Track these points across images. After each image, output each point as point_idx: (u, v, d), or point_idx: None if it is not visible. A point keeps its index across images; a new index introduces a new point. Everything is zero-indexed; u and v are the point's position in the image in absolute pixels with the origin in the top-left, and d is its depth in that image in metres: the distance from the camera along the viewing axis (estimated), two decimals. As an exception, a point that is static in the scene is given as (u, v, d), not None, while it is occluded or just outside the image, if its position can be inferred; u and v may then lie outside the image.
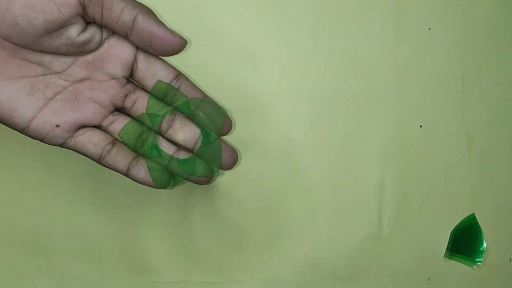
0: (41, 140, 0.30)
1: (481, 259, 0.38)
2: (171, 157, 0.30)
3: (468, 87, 0.39)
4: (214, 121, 0.30)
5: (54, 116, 0.29)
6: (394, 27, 0.39)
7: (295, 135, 0.38)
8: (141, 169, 0.30)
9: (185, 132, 0.31)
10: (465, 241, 0.38)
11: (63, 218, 0.37)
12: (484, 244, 0.38)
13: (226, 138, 0.37)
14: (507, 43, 0.39)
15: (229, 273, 0.37)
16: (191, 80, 0.32)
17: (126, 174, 0.31)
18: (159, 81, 0.30)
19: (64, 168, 0.37)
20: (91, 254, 0.37)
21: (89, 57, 0.29)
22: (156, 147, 0.30)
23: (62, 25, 0.27)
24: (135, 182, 0.31)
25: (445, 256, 0.38)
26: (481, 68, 0.39)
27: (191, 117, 0.31)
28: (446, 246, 0.38)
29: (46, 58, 0.29)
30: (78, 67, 0.29)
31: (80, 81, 0.30)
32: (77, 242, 0.37)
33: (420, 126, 0.39)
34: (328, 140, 0.38)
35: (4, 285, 0.38)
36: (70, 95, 0.29)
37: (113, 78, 0.30)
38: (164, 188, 0.30)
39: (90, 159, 0.30)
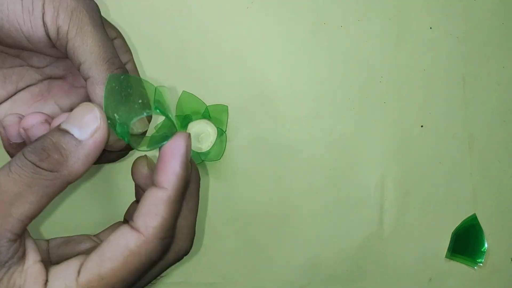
0: None
1: (482, 260, 0.38)
2: None
3: (469, 87, 0.39)
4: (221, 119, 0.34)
5: (12, 108, 0.26)
6: (395, 26, 0.39)
7: (295, 135, 0.38)
8: None
9: None
10: (466, 242, 0.38)
11: (63, 218, 0.37)
12: (485, 245, 0.38)
13: (231, 137, 0.37)
14: (508, 42, 0.39)
15: (229, 274, 0.37)
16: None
17: None
18: (184, 92, 0.33)
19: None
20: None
21: (69, 61, 0.24)
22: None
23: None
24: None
25: (446, 256, 0.38)
26: (482, 68, 0.39)
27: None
28: (447, 246, 0.38)
29: (25, 53, 0.27)
30: (55, 66, 0.28)
31: (54, 78, 0.27)
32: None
33: (421, 126, 0.38)
34: (328, 140, 0.38)
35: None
36: (38, 90, 0.27)
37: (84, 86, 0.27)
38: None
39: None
